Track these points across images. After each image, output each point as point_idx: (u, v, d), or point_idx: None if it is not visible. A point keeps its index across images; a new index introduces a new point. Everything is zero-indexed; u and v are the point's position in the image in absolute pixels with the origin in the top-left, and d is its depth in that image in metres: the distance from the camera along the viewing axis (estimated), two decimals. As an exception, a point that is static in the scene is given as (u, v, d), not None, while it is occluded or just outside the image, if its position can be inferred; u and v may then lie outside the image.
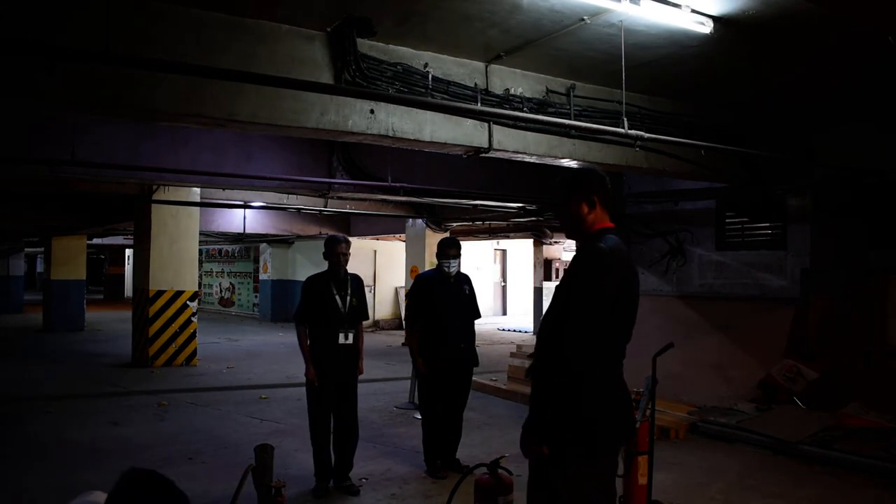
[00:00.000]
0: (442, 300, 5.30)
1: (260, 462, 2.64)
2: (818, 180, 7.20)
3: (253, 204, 11.40)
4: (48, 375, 9.90)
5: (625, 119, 4.89)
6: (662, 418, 6.27)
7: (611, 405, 2.51)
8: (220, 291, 23.19)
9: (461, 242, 5.63)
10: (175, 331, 10.84)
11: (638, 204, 9.10)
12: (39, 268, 33.67)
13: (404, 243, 15.03)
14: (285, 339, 14.55)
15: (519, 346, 9.55)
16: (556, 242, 17.15)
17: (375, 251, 17.83)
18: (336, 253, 4.92)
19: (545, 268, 17.51)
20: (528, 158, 5.51)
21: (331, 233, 8.84)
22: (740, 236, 8.26)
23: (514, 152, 5.28)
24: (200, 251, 20.45)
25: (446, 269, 5.31)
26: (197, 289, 11.39)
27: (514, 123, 5.10)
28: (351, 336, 4.88)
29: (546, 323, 2.60)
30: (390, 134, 4.69)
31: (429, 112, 4.74)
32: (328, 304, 4.86)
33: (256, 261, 20.55)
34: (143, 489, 1.77)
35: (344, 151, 8.91)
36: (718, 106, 6.36)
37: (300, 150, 8.80)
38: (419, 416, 5.77)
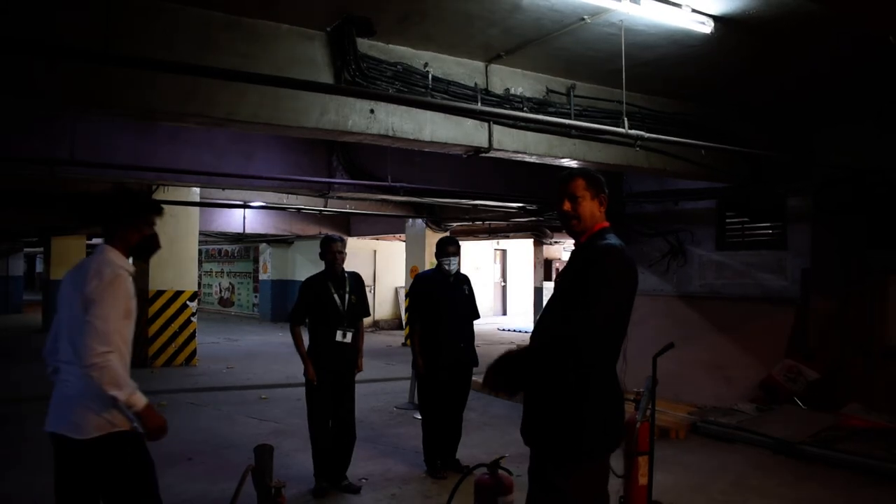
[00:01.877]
0: (441, 300, 5.30)
1: (260, 462, 2.64)
2: (818, 180, 7.20)
3: (253, 204, 11.40)
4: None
5: (625, 119, 4.88)
6: (662, 418, 6.26)
7: (613, 404, 2.55)
8: (220, 291, 23.18)
9: (461, 242, 5.63)
10: (175, 331, 10.84)
11: (638, 204, 9.09)
12: (39, 268, 33.63)
13: (404, 243, 15.03)
14: (285, 339, 14.52)
15: (519, 346, 9.52)
16: (556, 242, 17.15)
17: (375, 251, 17.81)
18: (332, 251, 4.93)
19: (545, 268, 17.51)
20: (528, 158, 5.50)
21: (330, 233, 8.88)
22: (740, 236, 8.25)
23: (514, 152, 5.27)
24: (200, 251, 20.46)
25: (446, 266, 5.31)
26: (196, 289, 11.39)
27: (514, 123, 5.10)
28: (350, 335, 4.88)
29: (547, 319, 2.60)
30: (390, 134, 4.69)
31: (429, 112, 4.74)
32: (327, 304, 4.86)
33: (256, 261, 20.54)
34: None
35: (344, 151, 8.91)
36: (719, 105, 6.35)
37: (300, 150, 8.80)
38: (419, 416, 5.76)
